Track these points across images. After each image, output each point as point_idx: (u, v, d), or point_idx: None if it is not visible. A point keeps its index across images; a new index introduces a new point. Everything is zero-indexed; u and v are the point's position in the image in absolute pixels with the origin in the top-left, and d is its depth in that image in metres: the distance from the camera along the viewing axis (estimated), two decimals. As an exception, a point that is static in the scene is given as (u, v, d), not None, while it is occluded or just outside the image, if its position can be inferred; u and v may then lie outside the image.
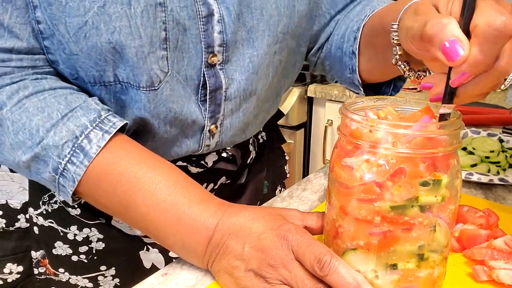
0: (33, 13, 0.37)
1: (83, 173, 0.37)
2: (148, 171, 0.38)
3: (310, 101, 1.54)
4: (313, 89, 1.48)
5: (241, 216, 0.36)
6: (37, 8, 0.36)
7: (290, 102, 1.49)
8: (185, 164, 0.50)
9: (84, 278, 0.52)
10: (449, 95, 0.30)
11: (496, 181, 0.54)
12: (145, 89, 0.40)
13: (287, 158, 0.70)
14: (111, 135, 0.38)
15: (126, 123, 0.40)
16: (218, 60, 0.43)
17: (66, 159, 0.37)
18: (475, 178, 0.54)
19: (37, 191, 0.50)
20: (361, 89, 0.54)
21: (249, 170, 0.58)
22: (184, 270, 0.39)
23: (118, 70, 0.39)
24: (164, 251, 0.52)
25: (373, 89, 0.55)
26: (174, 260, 0.41)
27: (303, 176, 1.63)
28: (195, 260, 0.38)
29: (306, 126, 1.57)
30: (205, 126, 0.46)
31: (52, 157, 0.37)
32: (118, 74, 0.39)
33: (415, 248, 0.31)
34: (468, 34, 0.28)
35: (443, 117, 0.30)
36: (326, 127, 1.49)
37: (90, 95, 0.41)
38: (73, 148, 0.37)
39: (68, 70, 0.39)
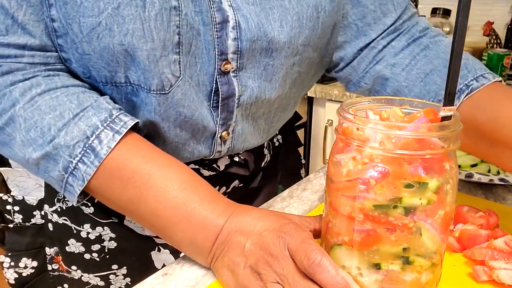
0: (48, 11, 0.37)
1: (93, 173, 0.37)
2: (161, 169, 0.38)
3: (310, 101, 1.54)
4: (313, 89, 1.48)
5: (247, 215, 0.36)
6: (52, 7, 0.36)
7: (290, 102, 1.48)
8: (197, 167, 0.50)
9: (96, 276, 0.52)
10: (450, 97, 0.30)
11: (496, 181, 0.53)
12: (155, 92, 0.39)
13: (303, 161, 0.68)
14: (122, 135, 0.37)
15: (138, 122, 0.40)
16: (232, 68, 0.42)
17: (77, 158, 0.37)
18: (475, 178, 0.53)
19: (52, 188, 0.50)
20: None
21: (263, 173, 0.58)
22: (184, 271, 0.39)
23: (129, 72, 0.39)
24: (175, 252, 0.52)
25: None
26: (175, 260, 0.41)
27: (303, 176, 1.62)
28: (200, 257, 0.38)
29: (306, 126, 1.57)
30: (217, 132, 0.45)
31: (64, 156, 0.37)
32: (129, 76, 0.39)
33: (399, 250, 0.30)
34: (464, 35, 0.28)
35: (443, 120, 0.30)
36: (326, 127, 1.48)
37: (102, 94, 0.42)
38: (84, 148, 0.37)
39: (81, 69, 0.39)
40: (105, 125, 0.38)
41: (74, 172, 0.37)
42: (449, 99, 0.29)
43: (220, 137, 0.46)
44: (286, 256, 0.32)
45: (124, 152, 0.38)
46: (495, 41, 1.53)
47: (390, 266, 0.30)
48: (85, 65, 0.39)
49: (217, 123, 0.45)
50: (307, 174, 1.63)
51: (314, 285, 0.30)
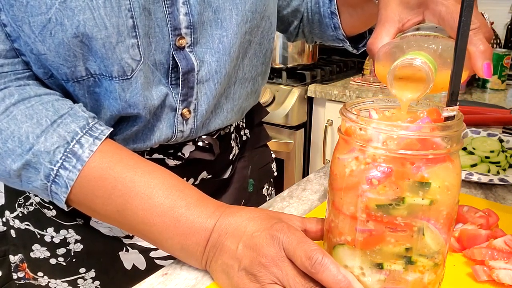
0: None
1: (76, 178, 0.37)
2: (144, 176, 0.38)
3: (310, 101, 1.54)
4: (313, 89, 1.48)
5: (238, 216, 0.37)
6: (1, 11, 0.37)
7: (290, 102, 1.49)
8: (161, 156, 0.49)
9: (63, 281, 0.51)
10: (453, 97, 0.30)
11: (496, 181, 0.54)
12: (117, 79, 0.40)
13: (273, 156, 0.70)
14: (102, 141, 0.38)
15: (112, 130, 0.40)
16: (187, 43, 0.43)
17: (58, 164, 0.37)
18: (475, 178, 0.54)
19: (12, 193, 0.50)
20: (347, 41, 0.60)
21: (232, 166, 0.58)
22: (184, 270, 0.39)
23: (88, 64, 0.39)
24: (144, 252, 0.52)
25: (355, 40, 0.62)
26: (157, 259, 0.41)
27: (303, 176, 1.63)
28: (194, 261, 0.38)
29: (306, 126, 1.57)
30: (177, 109, 0.46)
31: (44, 164, 0.37)
32: (89, 67, 0.39)
33: (402, 250, 0.31)
34: (467, 35, 0.28)
35: (446, 120, 0.30)
36: (326, 127, 1.49)
37: (65, 92, 0.42)
38: (65, 153, 0.37)
39: (41, 70, 0.40)
40: (84, 131, 0.38)
41: (56, 180, 0.37)
42: (452, 99, 0.30)
43: (181, 114, 0.46)
44: (282, 256, 0.33)
45: (105, 161, 0.38)
46: (494, 41, 1.54)
47: (393, 266, 0.31)
48: (43, 65, 0.39)
49: (176, 100, 0.45)
50: (307, 174, 1.63)
51: (316, 285, 0.31)
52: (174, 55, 0.43)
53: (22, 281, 0.52)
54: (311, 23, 0.63)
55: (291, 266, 0.32)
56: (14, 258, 0.51)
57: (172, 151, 0.50)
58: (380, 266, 0.31)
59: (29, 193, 0.50)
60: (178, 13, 0.42)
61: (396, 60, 0.32)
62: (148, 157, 0.48)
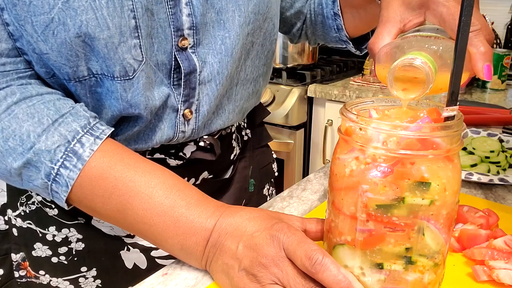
0: (1, 16, 0.37)
1: (76, 177, 0.37)
2: (144, 175, 0.38)
3: (310, 101, 1.54)
4: (313, 89, 1.48)
5: (238, 216, 0.37)
6: (4, 10, 0.37)
7: (290, 102, 1.49)
8: (163, 156, 0.50)
9: (65, 280, 0.52)
10: (453, 97, 0.30)
11: (496, 181, 0.54)
12: (119, 79, 0.40)
13: (274, 156, 0.70)
14: (103, 140, 0.39)
15: (113, 129, 0.41)
16: (189, 44, 0.43)
17: (59, 163, 0.37)
18: (475, 178, 0.54)
19: (15, 192, 0.50)
20: (350, 42, 0.61)
21: (233, 166, 0.59)
22: (184, 270, 0.39)
23: (90, 63, 0.39)
24: (145, 251, 0.53)
25: (358, 42, 0.62)
26: (158, 259, 0.41)
27: (303, 176, 1.63)
28: (194, 261, 0.38)
29: (306, 126, 1.57)
30: (179, 110, 0.46)
31: (44, 162, 0.37)
32: (91, 67, 0.40)
33: (402, 250, 0.31)
34: (467, 35, 0.28)
35: (446, 120, 0.30)
36: (326, 127, 1.49)
37: (67, 92, 0.42)
38: (66, 152, 0.37)
39: (43, 69, 0.40)
40: (85, 130, 0.38)
41: (56, 179, 0.37)
42: (452, 99, 0.30)
43: (183, 115, 0.46)
44: (282, 256, 0.33)
45: (106, 160, 0.38)
46: (495, 41, 1.54)
47: (393, 266, 0.31)
48: (46, 65, 0.39)
49: (178, 101, 0.45)
50: (307, 174, 1.63)
51: (316, 285, 0.31)
52: (176, 56, 0.43)
53: (23, 280, 0.52)
54: (314, 25, 0.63)
55: (291, 266, 0.32)
56: (16, 257, 0.51)
57: (173, 151, 0.50)
58: (380, 266, 0.31)
59: (31, 192, 0.50)
60: (181, 14, 0.42)
61: (396, 61, 0.32)
62: (149, 157, 0.48)
